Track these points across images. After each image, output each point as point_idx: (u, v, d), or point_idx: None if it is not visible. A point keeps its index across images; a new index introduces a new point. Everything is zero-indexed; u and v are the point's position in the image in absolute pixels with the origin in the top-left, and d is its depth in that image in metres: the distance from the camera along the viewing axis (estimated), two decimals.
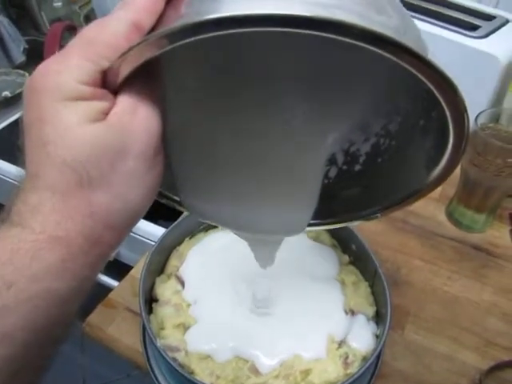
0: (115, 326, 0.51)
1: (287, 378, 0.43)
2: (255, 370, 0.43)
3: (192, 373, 0.44)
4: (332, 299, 0.50)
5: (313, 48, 0.29)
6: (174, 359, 0.44)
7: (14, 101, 1.10)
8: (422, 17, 0.70)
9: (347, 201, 0.37)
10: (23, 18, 1.24)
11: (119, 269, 0.64)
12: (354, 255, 0.55)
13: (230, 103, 0.32)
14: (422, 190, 0.30)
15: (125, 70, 0.20)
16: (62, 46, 0.80)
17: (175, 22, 0.20)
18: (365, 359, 0.45)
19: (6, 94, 1.11)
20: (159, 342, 0.43)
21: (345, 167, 0.37)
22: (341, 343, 0.46)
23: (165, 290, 0.50)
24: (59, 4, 1.20)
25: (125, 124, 0.21)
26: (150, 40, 0.19)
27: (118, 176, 0.21)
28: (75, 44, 0.21)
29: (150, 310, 0.49)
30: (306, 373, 0.44)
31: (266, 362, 0.44)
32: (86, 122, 0.20)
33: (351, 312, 0.49)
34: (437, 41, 0.68)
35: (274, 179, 0.35)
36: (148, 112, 0.22)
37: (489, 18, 0.72)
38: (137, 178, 0.22)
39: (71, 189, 0.20)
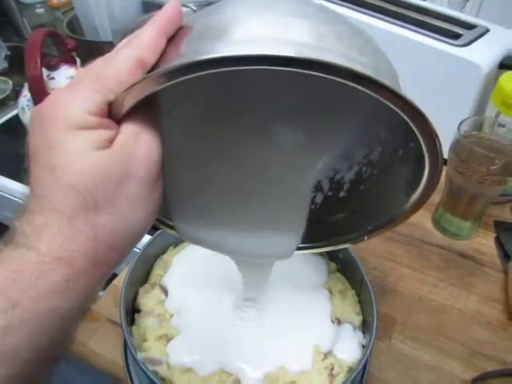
0: (97, 339, 0.50)
1: None
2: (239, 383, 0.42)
3: None
4: (319, 308, 0.49)
5: (300, 83, 0.32)
6: (156, 373, 0.42)
7: None
8: (406, 25, 0.70)
9: (334, 225, 0.38)
10: (5, 25, 1.22)
11: None
12: (342, 263, 0.54)
13: (221, 132, 0.35)
14: (403, 213, 0.31)
15: (128, 103, 0.22)
16: (43, 53, 0.78)
17: (174, 60, 0.22)
18: (351, 370, 0.44)
19: None
20: (140, 355, 0.42)
21: (330, 193, 0.39)
22: (327, 354, 0.45)
23: (148, 299, 0.49)
24: (41, 10, 1.19)
25: (128, 151, 0.22)
26: (151, 77, 0.22)
27: (122, 200, 0.22)
28: (84, 77, 0.23)
29: (132, 321, 0.48)
30: None
31: (251, 374, 0.42)
32: (92, 149, 0.22)
33: (337, 321, 0.48)
34: (420, 48, 0.68)
35: (263, 204, 0.37)
36: (149, 139, 0.23)
37: (470, 26, 0.72)
38: (139, 201, 0.23)
39: (76, 211, 0.21)
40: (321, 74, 0.20)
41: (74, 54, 0.91)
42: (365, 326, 0.49)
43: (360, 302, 0.51)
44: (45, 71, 0.84)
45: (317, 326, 0.47)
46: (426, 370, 0.49)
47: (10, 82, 1.12)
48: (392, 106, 0.22)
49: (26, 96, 0.82)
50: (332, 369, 0.44)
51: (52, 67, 0.84)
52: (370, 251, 0.61)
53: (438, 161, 0.25)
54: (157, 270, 0.51)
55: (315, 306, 0.49)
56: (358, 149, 0.37)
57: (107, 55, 0.24)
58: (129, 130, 0.23)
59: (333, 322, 0.48)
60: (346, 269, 0.53)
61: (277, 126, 0.35)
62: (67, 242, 0.21)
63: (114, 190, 0.22)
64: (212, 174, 0.36)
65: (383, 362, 0.50)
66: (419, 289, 0.58)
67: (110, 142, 0.22)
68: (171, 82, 0.21)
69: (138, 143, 0.23)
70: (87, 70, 0.23)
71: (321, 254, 0.55)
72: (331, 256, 0.55)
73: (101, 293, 0.54)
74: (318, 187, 0.39)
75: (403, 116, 0.23)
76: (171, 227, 0.36)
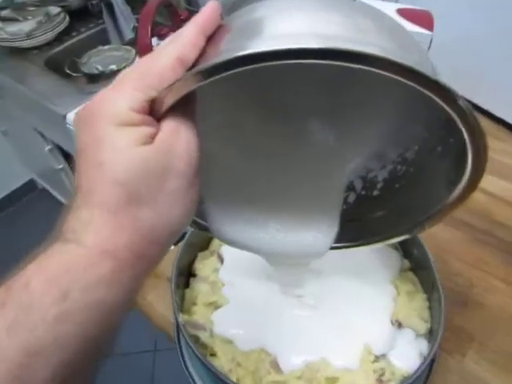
0: (155, 295, 0.52)
1: (310, 382, 0.39)
2: (276, 366, 0.40)
3: (213, 355, 0.42)
4: (380, 306, 0.45)
5: (335, 82, 0.33)
6: (197, 337, 0.43)
7: (118, 73, 1.18)
8: None
9: (375, 222, 0.37)
10: None
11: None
12: (415, 262, 0.48)
13: (254, 132, 0.36)
14: (444, 209, 0.30)
15: (169, 100, 0.23)
16: (154, 23, 0.83)
17: (213, 58, 0.22)
18: (404, 380, 0.39)
19: (113, 67, 1.19)
20: (184, 318, 0.42)
21: (363, 193, 0.38)
22: (379, 357, 0.41)
23: (204, 265, 0.49)
24: None
25: (170, 147, 0.23)
26: (191, 74, 0.22)
27: (163, 194, 0.23)
28: (128, 75, 0.24)
29: (187, 285, 0.49)
30: (332, 381, 0.40)
31: (290, 359, 0.40)
32: (136, 145, 0.22)
33: (398, 324, 0.43)
34: None
35: (295, 203, 0.37)
36: (188, 135, 0.24)
37: None
38: (179, 195, 0.24)
39: (121, 206, 0.22)
40: (368, 68, 0.20)
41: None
42: (431, 335, 0.43)
43: (430, 308, 0.45)
44: (156, 40, 0.89)
45: (373, 323, 0.43)
46: None
47: (134, 51, 1.22)
48: (440, 103, 0.22)
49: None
50: (382, 374, 0.40)
51: (162, 36, 0.88)
52: (457, 254, 0.53)
53: (482, 153, 0.25)
54: (217, 240, 0.51)
55: (376, 302, 0.45)
56: (392, 148, 0.36)
57: (151, 54, 0.24)
58: (169, 126, 0.24)
59: (392, 324, 0.43)
60: (419, 268, 0.47)
61: (309, 125, 0.35)
62: (112, 236, 0.22)
63: (157, 184, 0.23)
64: (245, 173, 0.36)
65: (449, 380, 0.44)
66: None
67: (152, 138, 0.23)
68: (211, 79, 0.22)
69: (178, 139, 0.24)
70: (132, 69, 0.24)
71: (395, 248, 0.50)
72: (405, 252, 0.49)
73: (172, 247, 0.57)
74: (350, 187, 0.38)
75: (452, 114, 0.22)
76: (205, 227, 0.37)
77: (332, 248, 0.37)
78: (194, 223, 0.37)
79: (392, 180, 0.37)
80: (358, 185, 0.39)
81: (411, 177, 0.35)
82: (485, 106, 0.71)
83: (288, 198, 0.37)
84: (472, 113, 0.22)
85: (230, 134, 0.36)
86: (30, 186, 1.77)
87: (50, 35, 1.20)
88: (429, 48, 0.55)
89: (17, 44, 1.17)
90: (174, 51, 0.24)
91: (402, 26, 0.27)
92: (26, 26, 1.20)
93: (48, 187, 1.69)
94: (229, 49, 0.23)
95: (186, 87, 0.23)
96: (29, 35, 1.17)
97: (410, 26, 0.54)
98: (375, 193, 0.38)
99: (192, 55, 0.24)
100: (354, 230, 0.38)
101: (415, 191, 0.35)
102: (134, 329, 0.68)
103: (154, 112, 0.24)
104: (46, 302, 0.20)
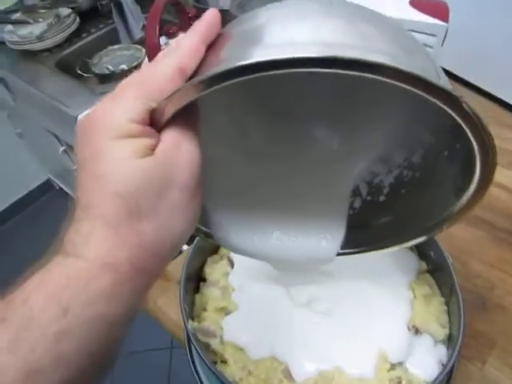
0: (165, 299, 0.51)
1: None
2: (289, 375, 0.39)
3: (224, 362, 0.41)
4: (396, 311, 0.43)
5: (339, 87, 0.32)
6: (208, 344, 0.42)
7: (130, 73, 1.18)
8: None
9: (382, 228, 0.36)
10: None
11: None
12: (432, 263, 0.46)
13: (262, 136, 0.35)
14: (454, 215, 0.30)
15: (169, 111, 0.23)
16: (162, 21, 0.82)
17: (213, 67, 0.22)
18: None
19: (123, 66, 1.19)
20: (194, 325, 0.41)
21: (369, 198, 0.38)
22: (395, 364, 0.40)
23: (214, 270, 0.48)
24: None
25: (170, 158, 0.23)
26: (191, 85, 0.22)
27: (164, 206, 0.23)
28: (127, 86, 0.24)
29: (198, 289, 0.48)
30: None
31: (302, 368, 0.39)
32: (136, 157, 0.22)
33: (415, 330, 0.42)
34: None
35: (301, 209, 0.36)
36: (190, 146, 0.24)
37: None
38: (180, 208, 0.23)
39: (121, 219, 0.22)
40: (369, 75, 0.20)
41: (193, 22, 0.94)
42: (450, 341, 0.42)
43: (449, 312, 0.43)
44: (164, 39, 0.88)
45: (388, 329, 0.42)
46: None
47: (144, 50, 1.21)
48: (444, 107, 0.21)
49: (146, 63, 0.87)
50: (399, 383, 0.39)
51: (171, 35, 0.87)
52: (477, 254, 0.51)
53: (491, 160, 0.24)
54: None
55: (392, 307, 0.43)
56: (397, 152, 0.35)
57: (151, 63, 0.24)
58: (170, 137, 0.23)
59: (409, 330, 0.42)
60: (436, 271, 0.46)
61: (315, 130, 0.35)
62: (113, 249, 0.22)
63: (157, 197, 0.22)
64: (250, 179, 0.36)
65: None
66: None
67: (152, 149, 0.23)
68: (212, 89, 0.21)
69: (179, 150, 0.23)
70: (131, 79, 0.24)
71: (411, 250, 0.48)
72: (422, 254, 0.47)
73: (184, 247, 0.56)
74: (355, 192, 0.38)
75: (456, 118, 0.21)
76: (209, 235, 0.36)
77: (338, 254, 0.36)
78: (199, 231, 0.36)
79: (398, 185, 0.36)
80: (364, 190, 0.38)
81: (418, 182, 0.34)
82: (508, 100, 0.68)
83: (294, 204, 0.36)
84: (478, 116, 0.21)
85: (235, 140, 0.35)
86: (48, 185, 1.80)
87: (60, 37, 1.20)
88: (443, 40, 0.53)
89: (28, 47, 1.17)
90: (173, 61, 0.23)
91: (404, 28, 0.26)
92: (37, 28, 1.20)
93: (64, 187, 1.71)
94: (229, 57, 0.22)
95: (186, 97, 0.22)
96: (40, 37, 1.17)
97: (424, 18, 0.52)
98: (381, 198, 0.37)
99: (192, 64, 0.23)
100: (360, 236, 0.37)
101: (422, 197, 0.34)
102: (151, 326, 0.68)
103: (155, 123, 0.23)
104: (46, 318, 0.20)
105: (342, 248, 0.36)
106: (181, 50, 0.23)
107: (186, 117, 0.24)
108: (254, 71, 0.20)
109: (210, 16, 0.25)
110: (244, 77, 0.20)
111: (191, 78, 0.23)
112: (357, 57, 0.19)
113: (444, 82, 0.21)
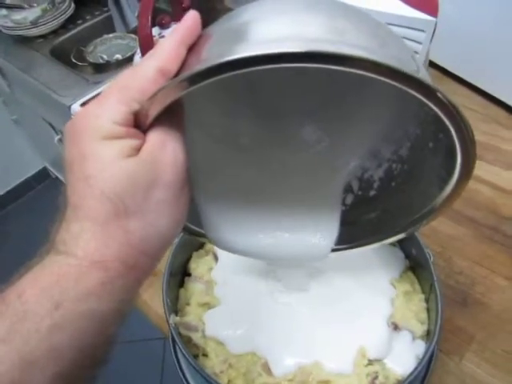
0: (151, 293, 0.52)
1: None
2: (268, 369, 0.40)
3: (206, 355, 0.42)
4: (377, 308, 0.44)
5: (323, 84, 0.33)
6: (189, 338, 0.43)
7: (124, 63, 1.17)
8: None
9: (368, 224, 0.37)
10: None
11: None
12: (414, 261, 0.47)
13: (252, 137, 0.35)
14: (437, 207, 0.31)
15: (153, 112, 0.23)
16: (155, 11, 0.81)
17: (194, 66, 0.22)
18: None
19: (118, 56, 1.18)
20: (173, 319, 0.42)
21: (360, 193, 0.38)
22: (373, 360, 0.40)
23: (199, 265, 0.49)
24: None
25: (155, 158, 0.23)
26: (172, 84, 0.22)
27: (151, 205, 0.23)
28: (111, 90, 0.24)
29: (182, 284, 0.48)
30: None
31: (281, 363, 0.40)
32: (121, 158, 0.23)
33: (394, 326, 0.42)
34: None
35: (294, 206, 0.37)
36: (175, 147, 0.24)
37: None
38: (167, 206, 0.24)
39: (109, 218, 0.23)
40: (342, 68, 0.20)
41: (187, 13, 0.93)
42: (428, 337, 0.42)
43: (428, 310, 0.44)
44: (157, 29, 0.87)
45: (369, 326, 0.42)
46: None
47: None
48: (419, 96, 0.21)
49: (138, 54, 0.86)
50: (375, 377, 0.39)
51: (164, 25, 0.87)
52: (460, 251, 0.52)
53: (470, 148, 0.24)
54: None
55: (374, 304, 0.44)
56: (386, 146, 0.35)
57: (133, 67, 0.25)
58: (155, 138, 0.24)
59: (388, 326, 0.42)
60: (418, 268, 0.46)
61: (304, 130, 0.35)
62: (101, 247, 0.22)
63: (143, 196, 0.23)
64: (242, 179, 0.36)
65: (447, 382, 0.43)
66: None
67: (137, 150, 0.24)
68: (192, 88, 0.22)
69: (164, 150, 0.24)
70: (114, 83, 0.25)
71: (398, 248, 0.49)
72: (404, 252, 0.48)
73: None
74: (347, 188, 0.38)
75: (431, 106, 0.22)
76: (202, 235, 0.36)
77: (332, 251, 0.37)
78: (191, 231, 0.36)
79: (388, 179, 0.36)
80: (355, 185, 0.39)
81: (406, 175, 0.35)
82: (497, 95, 0.68)
83: (287, 202, 0.37)
84: (453, 104, 0.22)
85: (226, 141, 0.36)
86: (44, 174, 1.79)
87: (55, 23, 1.19)
88: (432, 35, 0.52)
89: (22, 32, 1.16)
90: (155, 63, 0.24)
91: (385, 24, 0.26)
92: (31, 13, 1.19)
93: (60, 176, 1.71)
94: (209, 57, 0.23)
95: (169, 97, 0.22)
96: (34, 23, 1.16)
97: (413, 13, 0.52)
98: (372, 193, 0.38)
99: (173, 66, 0.24)
100: (348, 232, 0.37)
101: (410, 189, 0.34)
102: (145, 316, 0.69)
103: (140, 124, 0.24)
104: (40, 312, 0.21)
105: (335, 244, 0.37)
106: (161, 53, 0.24)
107: (171, 117, 0.25)
108: (231, 68, 0.20)
109: (190, 18, 0.25)
110: (223, 74, 0.21)
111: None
112: (332, 50, 0.20)
113: (423, 75, 0.21)
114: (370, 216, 0.38)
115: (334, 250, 0.37)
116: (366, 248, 0.37)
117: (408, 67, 0.21)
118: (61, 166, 1.60)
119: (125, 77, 0.25)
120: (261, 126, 0.36)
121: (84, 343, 0.21)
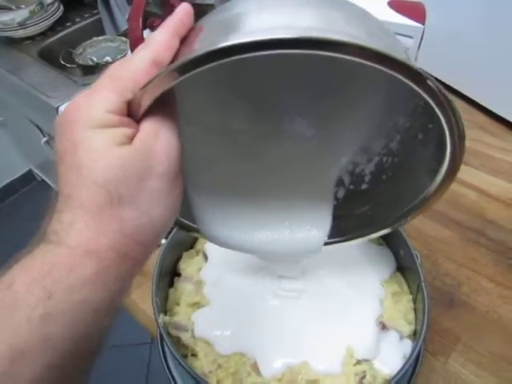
0: (140, 293, 0.51)
1: None
2: (256, 369, 0.40)
3: (195, 355, 0.42)
4: (366, 309, 0.44)
5: (313, 75, 0.33)
6: (178, 338, 0.42)
7: None
8: None
9: (361, 217, 0.37)
10: None
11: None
12: (402, 262, 0.47)
13: (245, 132, 0.36)
14: (427, 199, 0.31)
15: (146, 101, 0.23)
16: (146, 14, 0.81)
17: (185, 56, 0.22)
18: (386, 383, 0.39)
19: (108, 59, 1.18)
20: (162, 319, 0.42)
21: (352, 187, 0.38)
22: (361, 360, 0.41)
23: (189, 265, 0.49)
24: None
25: (148, 147, 0.23)
26: (164, 73, 0.22)
27: (144, 194, 0.23)
28: (103, 80, 0.24)
29: (171, 284, 0.48)
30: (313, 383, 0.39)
31: (270, 364, 0.40)
32: (114, 146, 0.23)
33: (382, 326, 0.43)
34: None
35: (287, 201, 0.37)
36: (168, 136, 0.24)
37: None
38: (161, 196, 0.24)
39: (102, 207, 0.22)
40: (331, 54, 0.20)
41: None
42: (415, 337, 0.43)
43: (415, 310, 0.44)
44: (148, 32, 0.87)
45: (357, 327, 0.42)
46: None
47: (129, 42, 1.20)
48: (409, 83, 0.22)
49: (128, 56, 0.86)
50: (363, 377, 0.40)
51: (155, 28, 0.87)
52: (446, 253, 0.52)
53: (459, 136, 0.25)
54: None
55: (363, 304, 0.44)
56: (376, 140, 0.36)
57: (125, 58, 0.25)
58: (148, 127, 0.24)
59: (376, 326, 0.43)
60: (406, 269, 0.47)
61: (296, 125, 0.36)
62: (95, 237, 0.22)
63: (137, 185, 0.23)
64: (232, 172, 0.36)
65: (434, 382, 0.44)
66: (500, 308, 0.48)
67: (130, 139, 0.23)
68: (184, 77, 0.22)
69: (158, 140, 0.24)
70: (106, 74, 0.25)
71: (387, 248, 0.49)
72: (392, 253, 0.49)
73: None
74: (338, 182, 0.38)
75: (422, 93, 0.22)
76: (196, 230, 0.37)
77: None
78: (184, 226, 0.36)
79: (379, 172, 0.37)
80: (347, 180, 0.39)
81: (396, 168, 0.35)
82: (482, 103, 0.70)
83: (280, 197, 0.37)
84: (443, 92, 0.22)
85: (218, 135, 0.36)
86: (29, 177, 1.77)
87: (43, 25, 1.18)
88: (420, 42, 0.54)
89: (9, 34, 1.15)
90: (148, 54, 0.24)
91: (372, 15, 0.26)
92: (19, 15, 1.18)
93: (46, 179, 1.69)
94: (200, 47, 0.23)
95: (161, 86, 0.22)
96: (22, 25, 1.15)
97: (401, 19, 0.53)
98: (363, 186, 0.38)
99: (166, 57, 0.24)
100: (340, 226, 0.38)
101: (401, 182, 0.35)
102: (131, 321, 0.68)
103: (133, 114, 0.24)
104: (31, 302, 0.20)
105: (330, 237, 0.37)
106: (154, 44, 0.24)
107: (164, 107, 0.24)
108: (223, 55, 0.21)
109: (182, 10, 0.25)
110: (216, 62, 0.21)
111: None
112: (321, 36, 0.20)
113: (411, 62, 0.22)
114: (362, 209, 0.38)
115: (326, 244, 0.37)
116: (357, 241, 0.38)
117: (398, 55, 0.21)
118: (47, 169, 1.58)
119: (117, 68, 0.25)
120: (254, 119, 0.36)
121: (77, 334, 0.21)
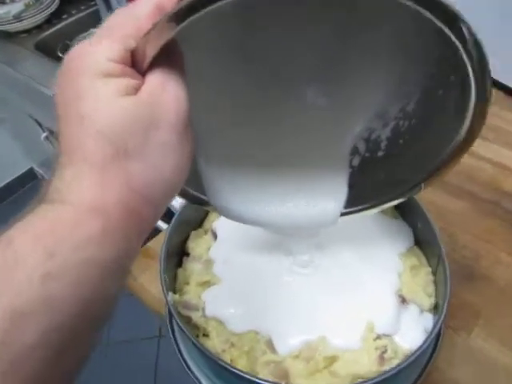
0: (148, 276, 0.50)
1: (307, 362, 0.37)
2: (272, 347, 0.38)
3: (206, 335, 0.40)
4: (385, 282, 0.42)
5: (329, 41, 0.31)
6: (189, 318, 0.41)
7: None
8: None
9: (376, 186, 0.36)
10: None
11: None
12: (420, 234, 0.46)
13: (252, 95, 0.33)
14: (446, 161, 0.30)
15: (151, 51, 0.22)
16: None
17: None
18: (407, 358, 0.37)
19: None
20: (172, 297, 0.40)
21: (367, 155, 0.37)
22: (382, 334, 0.39)
23: (198, 244, 0.47)
24: None
25: (155, 99, 0.22)
26: (166, 18, 0.21)
27: (152, 147, 0.22)
28: (105, 28, 0.23)
29: (180, 265, 0.46)
30: (332, 359, 0.37)
31: (286, 341, 0.38)
32: (118, 96, 0.21)
33: (402, 300, 0.41)
34: None
35: (301, 170, 0.35)
36: (176, 89, 0.23)
37: None
38: (169, 150, 0.23)
39: (107, 160, 0.21)
40: None
41: None
42: (436, 311, 0.41)
43: (436, 282, 0.43)
44: None
45: (376, 300, 0.41)
46: (509, 377, 0.39)
47: None
48: (438, 23, 0.20)
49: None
50: (384, 351, 0.38)
51: None
52: (463, 226, 0.51)
53: (488, 88, 0.23)
54: (213, 216, 0.49)
55: (380, 277, 0.43)
56: (392, 104, 0.34)
57: (127, 6, 0.24)
58: (154, 78, 0.23)
59: (396, 301, 0.41)
60: (424, 241, 0.45)
61: (307, 89, 0.34)
62: (100, 192, 0.21)
63: (144, 136, 0.22)
64: (244, 141, 0.34)
65: (456, 357, 0.42)
66: None
67: (136, 90, 0.22)
68: (188, 21, 0.20)
69: (165, 92, 0.23)
70: (108, 21, 0.23)
71: (405, 221, 0.48)
72: (409, 225, 0.47)
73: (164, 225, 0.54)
74: (353, 150, 0.37)
75: (451, 35, 0.21)
76: (207, 203, 0.35)
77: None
78: (190, 197, 0.35)
79: (395, 137, 0.35)
80: (362, 147, 0.37)
81: (414, 130, 0.33)
82: (495, 76, 0.68)
83: (295, 167, 0.36)
84: (474, 35, 0.21)
85: (229, 102, 0.34)
86: (30, 175, 1.76)
87: (39, 17, 1.16)
88: None
89: (4, 27, 1.13)
90: (152, 0, 0.23)
91: None
92: (14, 8, 1.16)
93: (47, 177, 1.68)
94: None
95: (164, 34, 0.21)
96: (17, 17, 1.13)
97: None
98: (380, 153, 0.36)
99: (170, 3, 0.23)
100: (356, 195, 0.36)
101: (418, 145, 0.33)
102: (138, 315, 0.66)
103: (138, 66, 0.23)
104: (32, 261, 0.19)
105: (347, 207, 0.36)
106: None
107: (170, 61, 0.23)
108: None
109: None
110: (216, 3, 0.19)
111: None
112: None
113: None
114: (377, 177, 0.37)
115: (342, 215, 0.36)
116: (372, 211, 0.37)
117: None
118: (48, 166, 1.57)
119: (119, 16, 0.23)
120: (265, 85, 0.34)
121: (82, 296, 0.20)
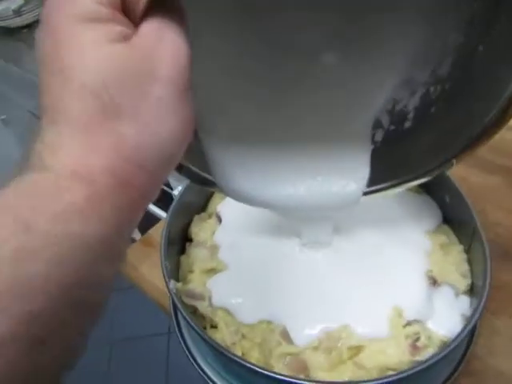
0: (149, 265, 0.46)
1: (329, 353, 0.33)
2: (287, 337, 0.34)
3: (214, 327, 0.36)
4: (413, 262, 0.38)
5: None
6: (195, 309, 0.37)
7: None
8: None
9: (402, 162, 0.32)
10: None
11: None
12: (448, 210, 0.41)
13: (263, 65, 0.29)
14: (488, 129, 0.25)
15: None
16: None
17: None
18: (443, 346, 0.33)
19: None
20: (175, 285, 0.36)
21: (392, 128, 0.32)
22: (412, 320, 0.34)
23: (201, 229, 0.43)
24: None
25: (151, 47, 0.19)
26: None
27: (146, 103, 0.19)
28: None
29: (182, 252, 0.42)
30: (357, 350, 0.33)
31: (303, 328, 0.34)
32: (105, 42, 0.18)
33: (433, 281, 0.36)
34: None
35: (322, 146, 0.31)
36: (175, 40, 0.20)
37: None
38: (167, 108, 0.19)
39: (93, 118, 0.18)
40: None
41: None
42: (472, 293, 0.36)
43: (469, 261, 0.38)
44: None
45: (403, 283, 0.36)
46: None
47: None
48: None
49: None
50: (417, 339, 0.33)
51: None
52: (494, 201, 0.46)
53: None
54: (217, 199, 0.45)
55: (406, 258, 0.38)
56: (421, 69, 0.29)
57: None
58: (149, 26, 0.19)
59: (427, 282, 0.36)
60: (453, 217, 0.40)
61: (324, 56, 0.29)
62: (85, 156, 0.18)
63: (136, 90, 0.19)
64: (254, 114, 0.30)
65: (496, 343, 0.37)
66: None
67: (127, 38, 0.19)
68: None
69: (162, 41, 0.19)
70: None
71: (431, 198, 0.43)
72: (436, 201, 0.42)
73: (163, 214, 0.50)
74: (375, 124, 0.32)
75: None
76: (213, 184, 0.31)
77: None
78: (193, 177, 0.31)
79: (425, 106, 0.30)
80: (385, 120, 0.33)
81: (450, 96, 0.29)
82: None
83: (311, 144, 0.32)
84: None
85: (237, 68, 0.30)
86: None
87: (39, 11, 1.14)
88: None
89: (5, 23, 1.11)
90: None
91: None
92: (13, 2, 1.14)
93: None
94: None
95: None
96: (17, 12, 1.11)
97: None
98: (407, 125, 0.32)
99: None
100: (376, 174, 0.32)
101: (455, 112, 0.29)
102: (147, 311, 0.63)
103: (131, 14, 0.20)
104: (2, 234, 0.16)
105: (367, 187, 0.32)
106: None
107: (168, 8, 0.20)
108: None
109: None
110: None
111: None
112: None
113: None
114: (404, 153, 0.32)
115: (365, 194, 0.32)
116: (396, 190, 0.32)
117: None
118: None
119: None
120: (277, 52, 0.30)
121: (68, 277, 0.16)
